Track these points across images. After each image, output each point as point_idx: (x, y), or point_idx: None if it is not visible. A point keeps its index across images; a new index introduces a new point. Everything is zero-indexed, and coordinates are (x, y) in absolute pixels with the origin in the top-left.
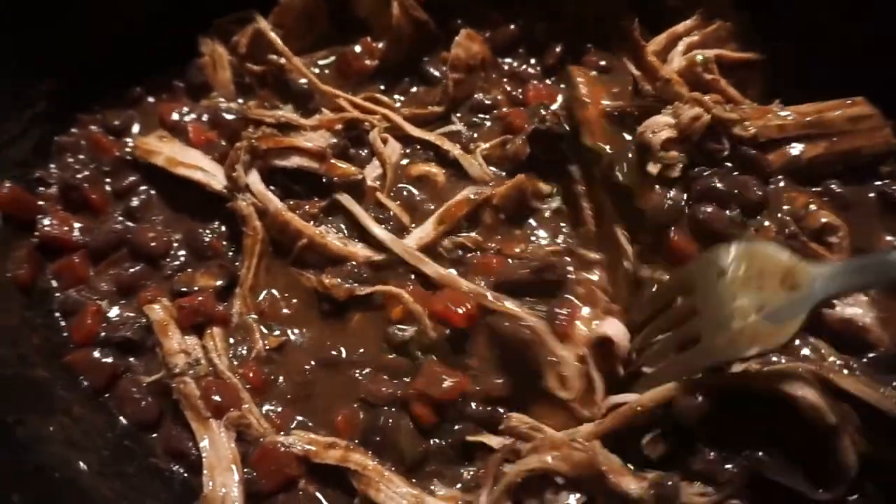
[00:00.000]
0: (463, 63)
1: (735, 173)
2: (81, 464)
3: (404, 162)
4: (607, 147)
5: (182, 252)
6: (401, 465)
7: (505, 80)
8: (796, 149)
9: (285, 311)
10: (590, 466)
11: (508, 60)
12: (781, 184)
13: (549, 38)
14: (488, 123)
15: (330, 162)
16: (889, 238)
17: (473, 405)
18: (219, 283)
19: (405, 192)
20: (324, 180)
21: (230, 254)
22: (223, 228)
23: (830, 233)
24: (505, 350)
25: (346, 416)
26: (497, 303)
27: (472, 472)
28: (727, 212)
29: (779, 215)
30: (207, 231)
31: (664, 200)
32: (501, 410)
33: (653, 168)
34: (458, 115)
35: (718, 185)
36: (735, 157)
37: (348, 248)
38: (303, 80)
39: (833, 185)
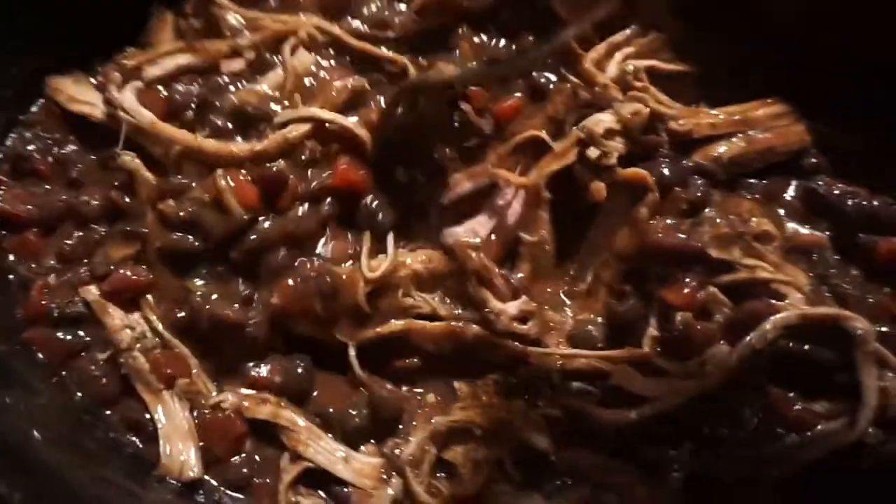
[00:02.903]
0: (431, 5)
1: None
2: (36, 433)
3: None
4: None
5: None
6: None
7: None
8: (718, 149)
9: None
10: (505, 422)
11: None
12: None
13: (517, 23)
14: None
15: (200, 47)
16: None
17: None
18: (132, 250)
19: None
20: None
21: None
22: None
23: (767, 241)
24: None
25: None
26: None
27: None
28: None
29: (729, 216)
30: (114, 188)
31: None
32: None
33: (592, 152)
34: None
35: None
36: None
37: (226, 147)
38: (234, 17)
39: (753, 181)
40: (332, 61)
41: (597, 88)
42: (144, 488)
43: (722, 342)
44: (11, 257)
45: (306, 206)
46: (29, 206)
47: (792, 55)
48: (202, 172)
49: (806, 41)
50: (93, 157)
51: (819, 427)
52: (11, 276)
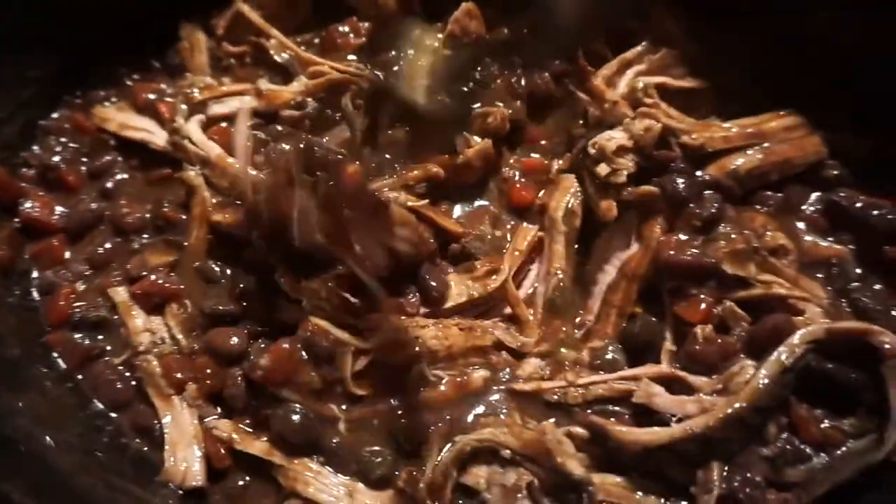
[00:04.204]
0: (458, 40)
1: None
2: (48, 438)
3: None
4: None
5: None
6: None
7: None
8: (735, 162)
9: None
10: (538, 444)
11: None
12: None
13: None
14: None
15: (265, 93)
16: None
17: None
18: (170, 258)
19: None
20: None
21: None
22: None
23: (782, 254)
24: None
25: None
26: None
27: None
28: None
29: (744, 231)
30: (167, 202)
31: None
32: None
33: (602, 169)
34: None
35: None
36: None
37: None
38: (283, 55)
39: (769, 194)
40: None
41: (606, 105)
42: (152, 493)
43: (742, 356)
44: (32, 264)
45: None
46: (56, 214)
47: (804, 67)
48: None
49: (816, 52)
50: (134, 171)
51: (846, 446)
52: (32, 281)
